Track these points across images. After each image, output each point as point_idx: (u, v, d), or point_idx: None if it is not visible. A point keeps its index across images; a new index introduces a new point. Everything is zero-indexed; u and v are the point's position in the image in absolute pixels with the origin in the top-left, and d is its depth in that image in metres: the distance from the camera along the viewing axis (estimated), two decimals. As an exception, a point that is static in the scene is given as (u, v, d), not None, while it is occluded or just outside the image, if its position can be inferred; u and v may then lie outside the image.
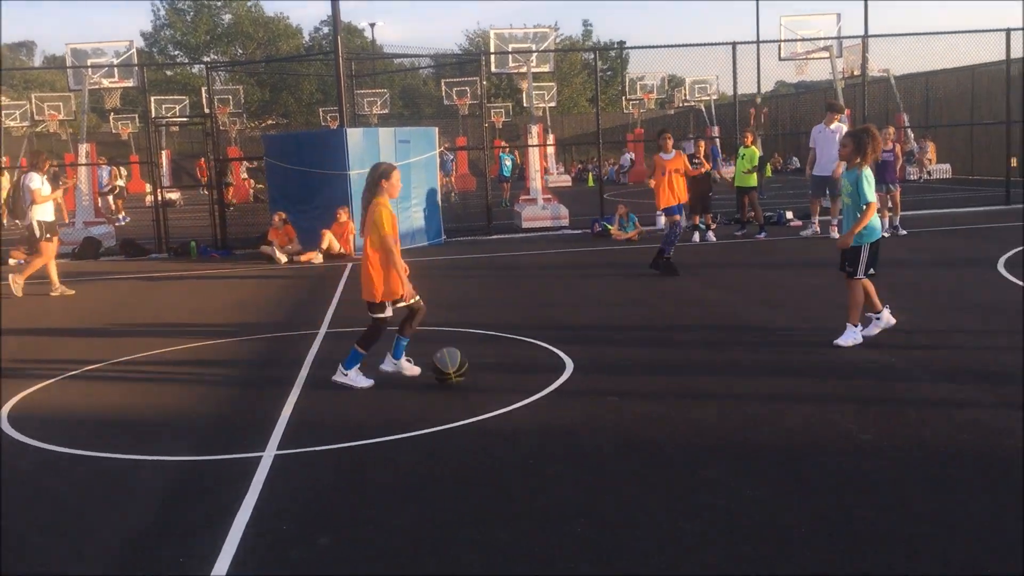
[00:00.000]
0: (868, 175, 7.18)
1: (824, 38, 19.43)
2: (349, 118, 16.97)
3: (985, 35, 23.70)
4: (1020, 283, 9.65)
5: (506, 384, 6.68)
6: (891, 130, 15.58)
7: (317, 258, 14.73)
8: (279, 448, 5.45)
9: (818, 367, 6.79)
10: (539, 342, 7.94)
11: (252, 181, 32.56)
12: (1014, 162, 25.03)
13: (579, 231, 17.25)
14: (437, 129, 17.26)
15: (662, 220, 16.92)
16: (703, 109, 37.85)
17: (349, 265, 14.09)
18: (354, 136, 15.41)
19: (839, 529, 3.98)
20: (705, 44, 19.24)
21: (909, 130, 27.55)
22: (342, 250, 15.02)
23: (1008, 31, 18.14)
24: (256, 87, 51.32)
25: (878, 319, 7.48)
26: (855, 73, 26.82)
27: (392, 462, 5.17)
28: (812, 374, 6.61)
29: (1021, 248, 12.21)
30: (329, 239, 14.93)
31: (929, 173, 27.31)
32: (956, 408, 5.59)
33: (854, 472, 4.64)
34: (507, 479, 4.81)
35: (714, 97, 36.90)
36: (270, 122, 52.61)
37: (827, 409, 5.71)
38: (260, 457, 5.28)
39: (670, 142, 11.83)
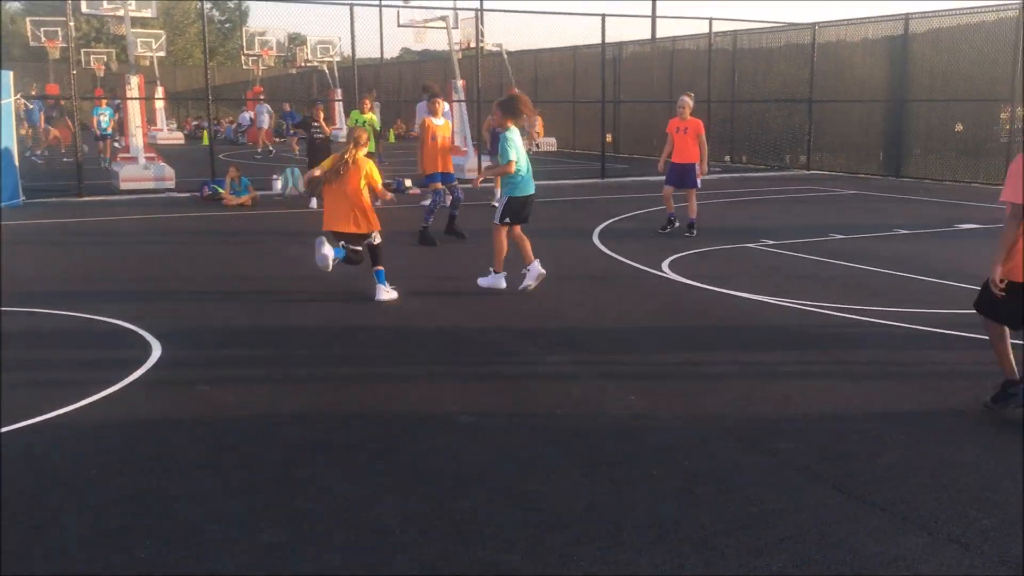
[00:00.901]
0: (510, 137, 8.00)
1: (440, 7, 19.69)
2: None
3: (586, 18, 25.60)
4: (611, 253, 10.37)
5: (77, 376, 5.73)
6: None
7: None
8: None
9: (433, 342, 6.65)
10: (125, 323, 6.98)
11: None
12: (610, 138, 27.55)
13: (187, 194, 15.94)
14: (12, 73, 14.91)
15: (278, 184, 16.20)
16: (327, 71, 37.15)
17: None
18: None
19: (437, 522, 3.75)
20: (325, 3, 18.65)
21: (520, 104, 29.10)
22: None
23: (603, 16, 19.61)
24: None
25: (527, 270, 8.14)
26: (471, 45, 27.78)
27: (-96, 488, 4.10)
28: (425, 350, 6.45)
29: (612, 220, 13.23)
30: None
31: (537, 146, 29.01)
32: (556, 381, 5.68)
33: (452, 458, 4.46)
34: (57, 498, 4.00)
35: (337, 59, 36.37)
36: None
37: (433, 387, 5.54)
38: None
39: (441, 107, 11.20)
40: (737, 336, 6.81)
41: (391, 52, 46.69)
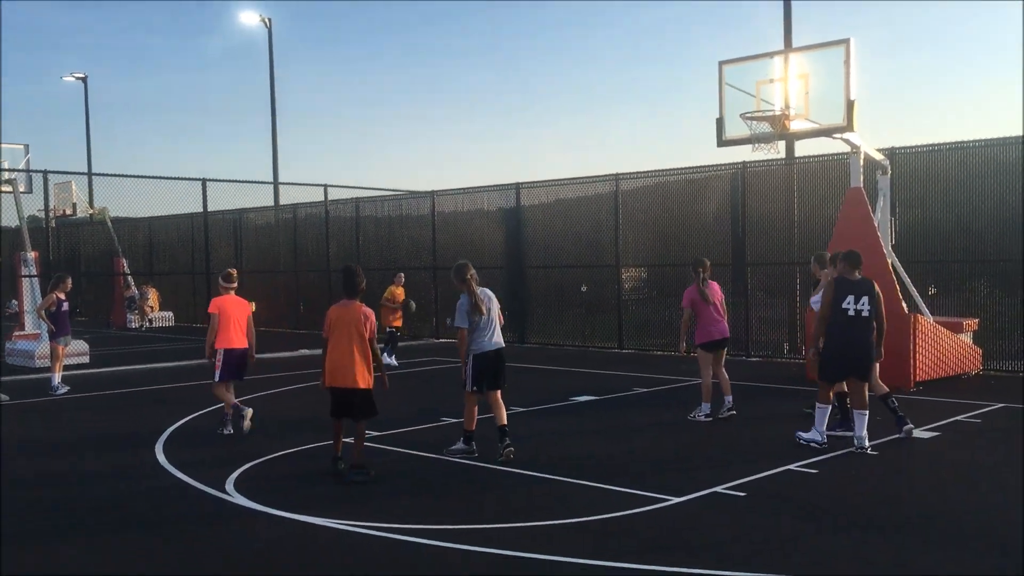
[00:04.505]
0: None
1: (7, 170, 16.85)
2: None
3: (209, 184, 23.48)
4: (169, 468, 8.24)
5: None
6: (68, 281, 13.61)
7: None
8: None
9: None
10: None
11: None
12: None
13: None
14: None
15: None
16: None
17: None
18: None
19: None
20: None
21: (130, 277, 26.16)
22: None
23: (204, 181, 17.90)
24: None
25: None
26: (66, 212, 24.70)
27: None
28: None
29: (196, 415, 11.10)
30: None
31: (151, 321, 26.12)
32: None
33: None
34: None
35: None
36: None
37: None
38: None
39: None
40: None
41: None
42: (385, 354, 15.58)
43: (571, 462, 8.17)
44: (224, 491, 7.34)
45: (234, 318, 9.75)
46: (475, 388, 8.24)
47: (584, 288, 19.01)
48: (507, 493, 7.26)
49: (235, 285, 9.98)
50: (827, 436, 8.52)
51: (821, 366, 8.49)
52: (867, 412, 8.33)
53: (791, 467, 7.78)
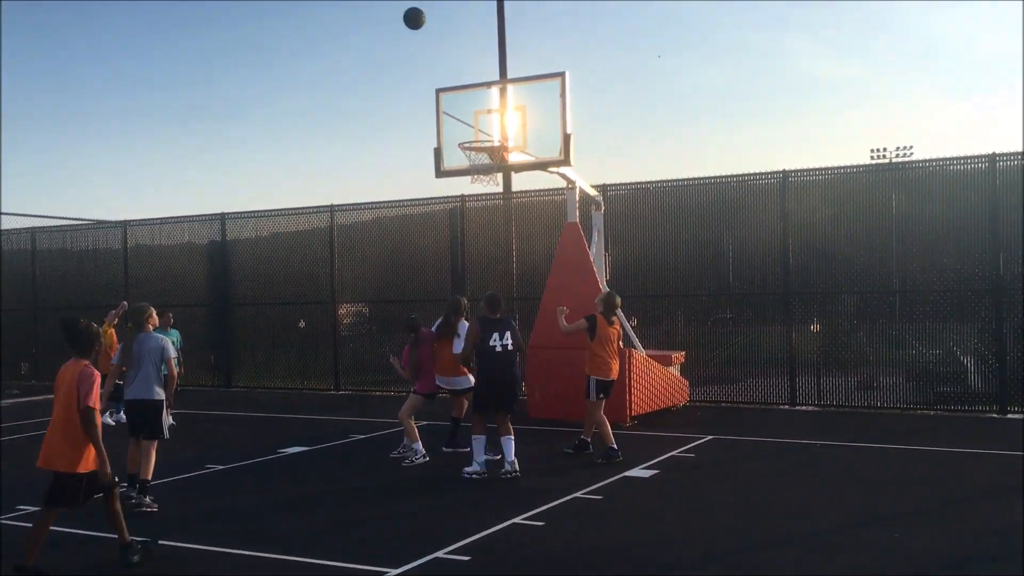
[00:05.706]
0: None
1: None
2: None
3: None
4: None
5: None
6: None
7: None
8: None
9: None
10: None
11: None
12: None
13: None
14: None
15: None
16: None
17: None
18: None
19: None
20: None
21: None
22: None
23: None
24: None
25: None
26: None
27: None
28: None
29: None
30: None
31: None
32: None
33: None
34: None
35: None
36: None
37: None
38: None
39: None
40: None
41: None
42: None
43: (274, 533, 7.09)
44: None
45: None
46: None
47: (302, 324, 17.79)
48: (193, 579, 6.06)
49: None
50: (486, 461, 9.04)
51: (475, 399, 9.19)
52: (512, 437, 8.92)
53: (516, 520, 7.21)
